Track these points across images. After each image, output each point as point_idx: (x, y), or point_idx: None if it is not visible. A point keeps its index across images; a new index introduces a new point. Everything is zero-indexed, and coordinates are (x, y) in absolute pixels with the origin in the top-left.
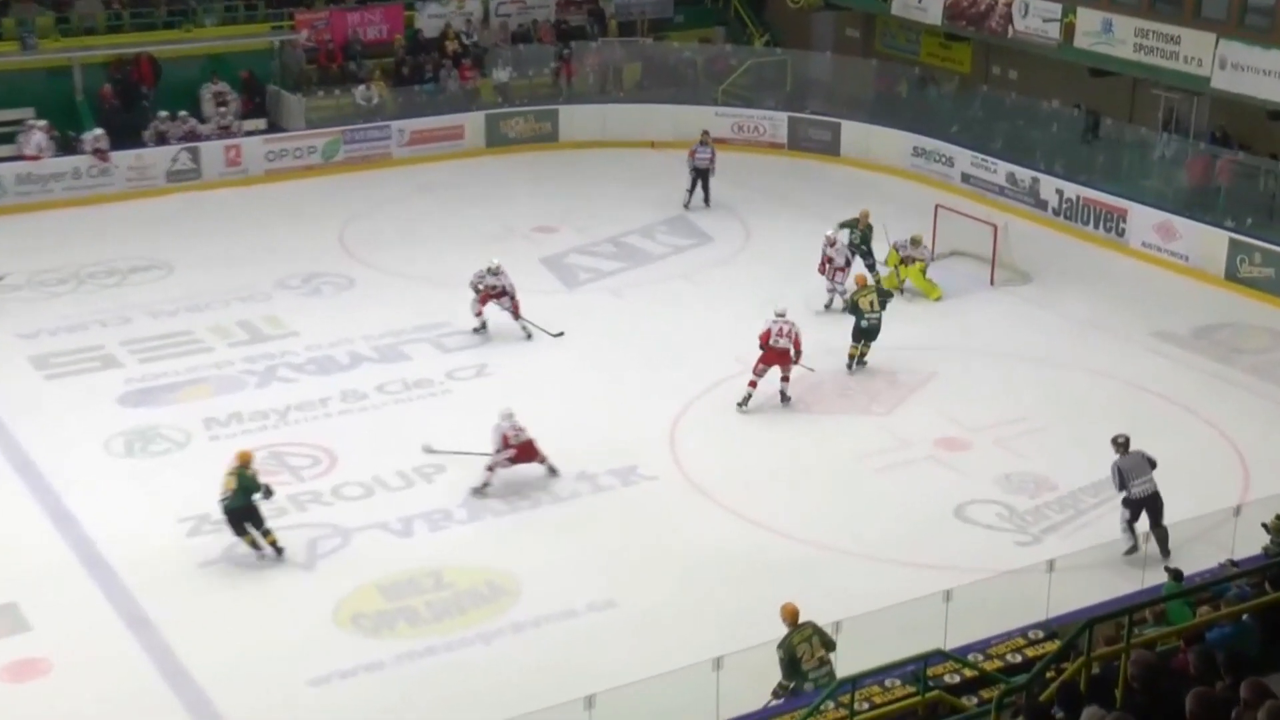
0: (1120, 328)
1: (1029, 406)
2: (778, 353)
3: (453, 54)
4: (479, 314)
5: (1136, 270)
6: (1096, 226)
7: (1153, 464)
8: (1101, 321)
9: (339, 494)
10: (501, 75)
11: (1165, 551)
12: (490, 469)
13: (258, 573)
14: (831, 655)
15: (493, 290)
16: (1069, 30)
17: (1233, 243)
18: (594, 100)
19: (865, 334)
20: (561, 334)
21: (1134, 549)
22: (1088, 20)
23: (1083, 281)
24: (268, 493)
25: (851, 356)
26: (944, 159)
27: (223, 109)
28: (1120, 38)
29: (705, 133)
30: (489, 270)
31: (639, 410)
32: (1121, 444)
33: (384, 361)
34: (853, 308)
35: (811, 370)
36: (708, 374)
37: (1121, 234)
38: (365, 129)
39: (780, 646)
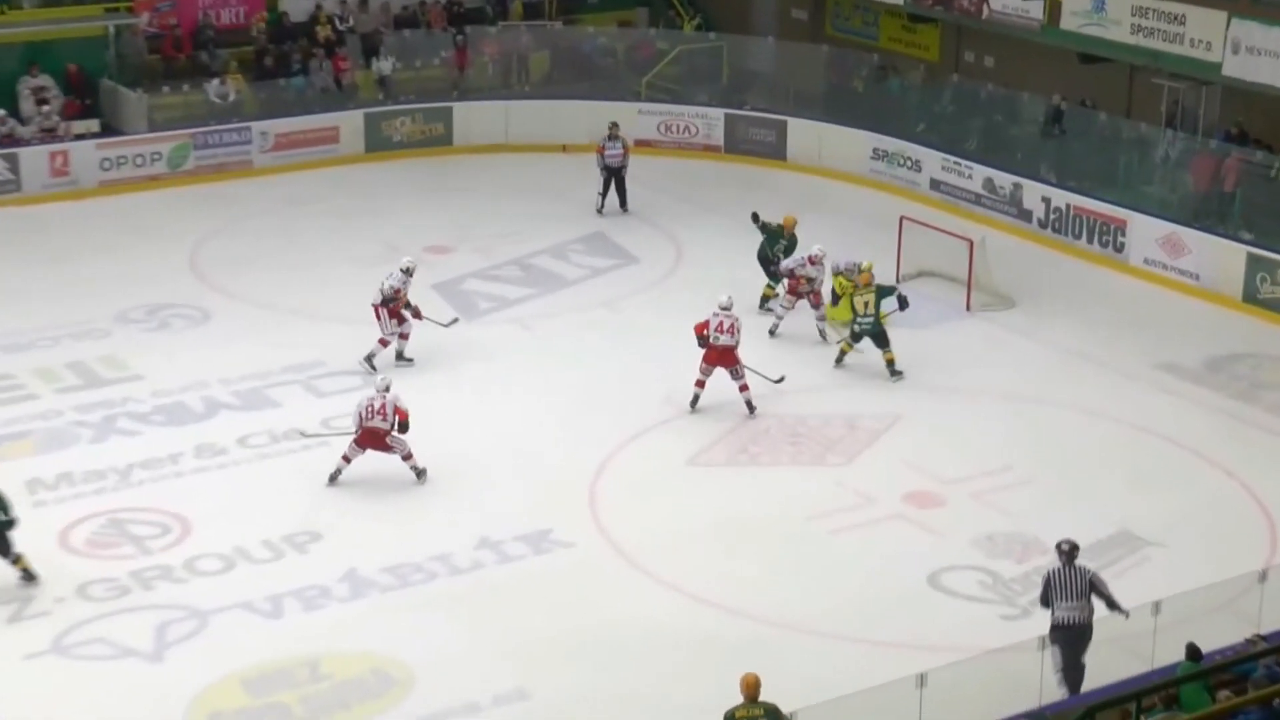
0: (1120, 360)
1: (1014, 454)
2: (718, 351)
3: (325, 41)
4: (390, 336)
5: (1138, 292)
6: (1091, 240)
7: (1109, 601)
8: (1098, 353)
9: (193, 568)
10: (384, 67)
11: (1073, 689)
12: (346, 457)
13: (94, 666)
14: None
15: (404, 302)
16: (1054, 9)
17: (1251, 258)
18: (495, 96)
19: (858, 337)
20: (456, 320)
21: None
22: None
23: (1075, 306)
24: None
25: (843, 352)
26: (909, 162)
27: (45, 108)
28: (1114, 18)
29: (614, 125)
30: (405, 270)
31: (552, 464)
32: (1066, 552)
33: (246, 409)
34: (849, 304)
35: (778, 381)
36: (634, 419)
37: (1120, 249)
38: (220, 132)
39: (725, 716)
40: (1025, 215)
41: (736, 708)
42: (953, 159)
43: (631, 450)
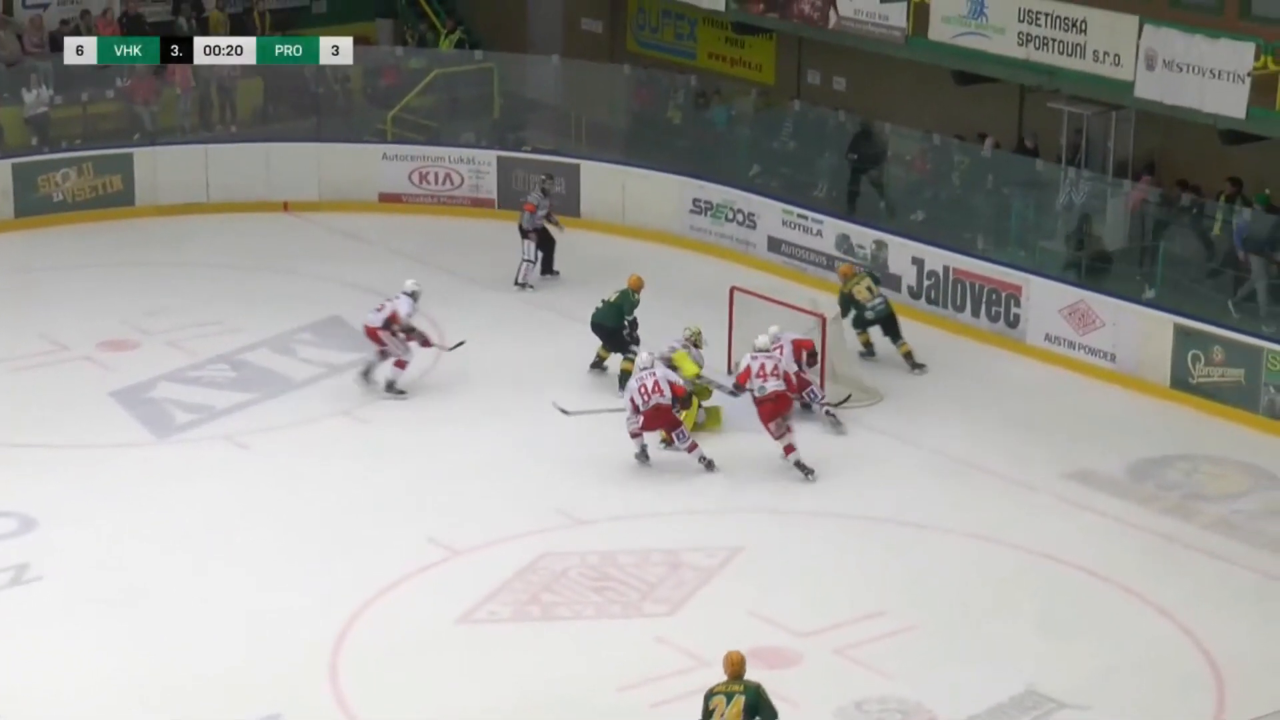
0: (1020, 469)
1: (887, 596)
2: (771, 402)
3: None
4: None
5: (1039, 378)
6: (977, 313)
7: None
8: (991, 460)
9: None
10: (37, 101)
11: None
12: (636, 434)
13: None
14: None
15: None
16: (920, 14)
17: (1180, 332)
18: (190, 139)
19: (871, 324)
20: (461, 344)
21: None
22: (948, 0)
23: (960, 399)
24: None
25: (866, 345)
26: (741, 216)
27: None
28: (997, 24)
29: (550, 178)
30: (413, 297)
31: (278, 625)
32: None
33: None
34: (845, 302)
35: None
36: (386, 565)
37: (1014, 323)
38: None
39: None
40: (892, 282)
41: (716, 685)
42: (797, 211)
43: (385, 606)
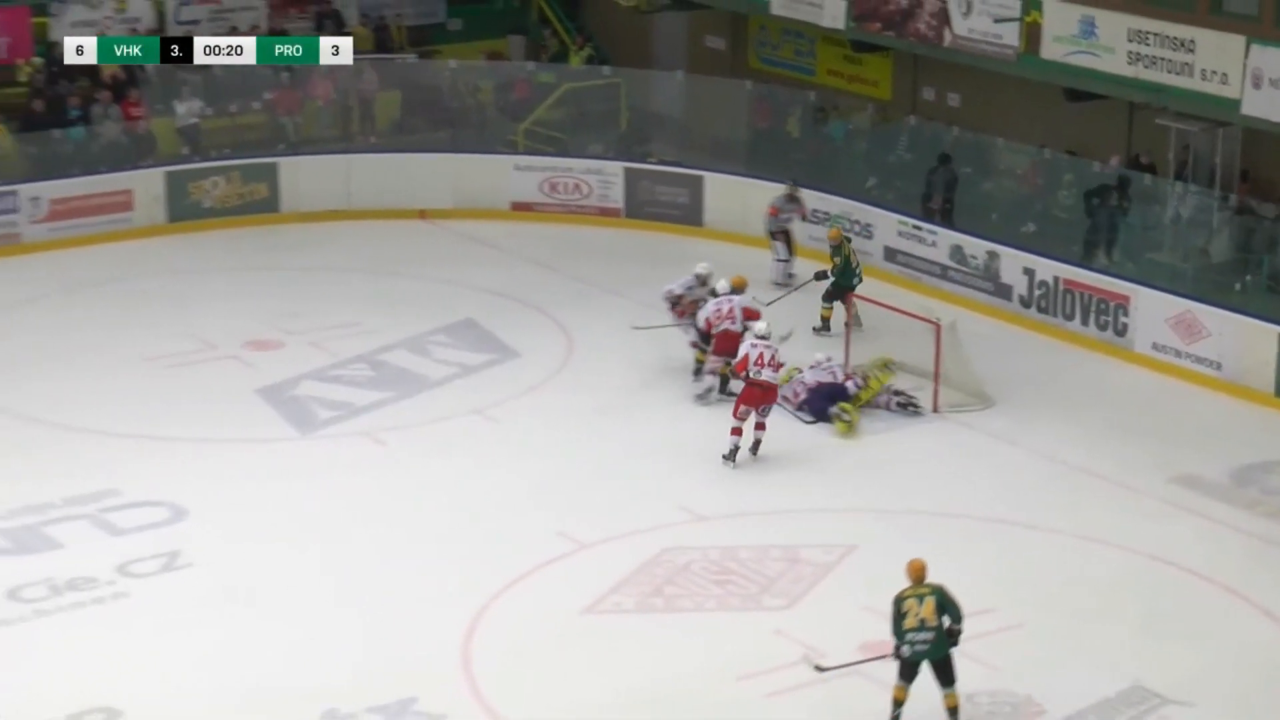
0: (1127, 473)
1: (997, 594)
2: (761, 390)
3: (111, 81)
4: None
5: (1147, 386)
6: (1086, 323)
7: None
8: (1099, 464)
9: None
10: (188, 113)
11: None
12: (714, 371)
13: None
14: (956, 626)
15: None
16: (1032, 35)
17: None
18: (332, 148)
19: (852, 291)
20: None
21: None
22: (1060, 19)
23: (1069, 405)
24: None
25: (825, 320)
26: (858, 227)
27: None
28: (1107, 44)
29: (794, 185)
30: (698, 279)
31: (414, 615)
32: None
33: (19, 553)
34: (845, 269)
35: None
36: (516, 558)
37: (1123, 332)
38: None
39: (894, 600)
40: (1004, 291)
41: (905, 590)
42: (913, 222)
43: (514, 597)
